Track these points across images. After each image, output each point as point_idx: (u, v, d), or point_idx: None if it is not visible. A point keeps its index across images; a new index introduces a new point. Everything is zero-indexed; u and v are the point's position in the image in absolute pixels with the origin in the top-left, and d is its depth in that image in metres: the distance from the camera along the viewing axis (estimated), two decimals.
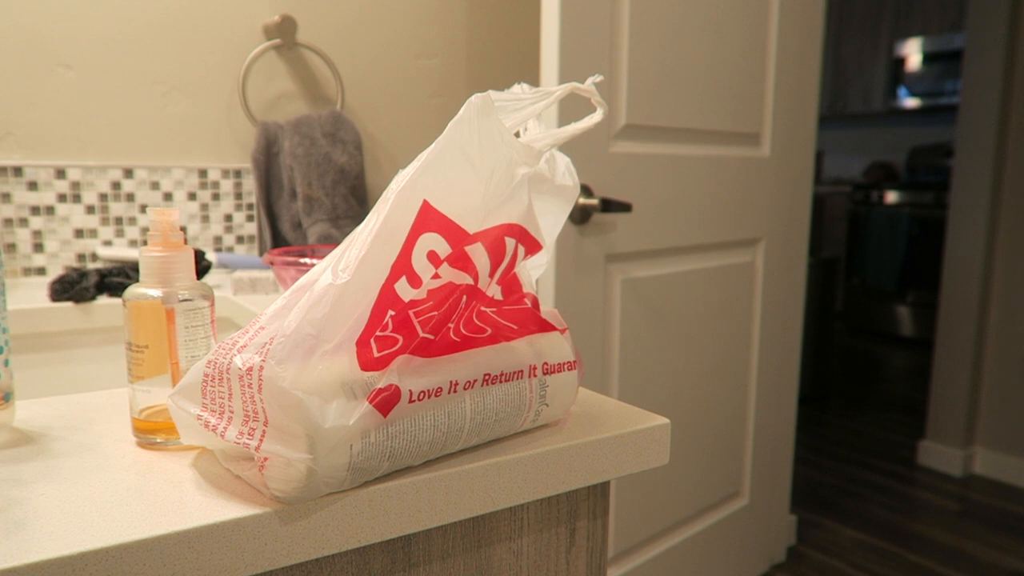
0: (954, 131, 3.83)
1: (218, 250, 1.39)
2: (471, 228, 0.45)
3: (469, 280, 0.44)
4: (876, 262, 4.38)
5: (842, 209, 4.57)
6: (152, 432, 0.47)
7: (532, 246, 0.49)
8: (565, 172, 0.53)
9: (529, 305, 0.50)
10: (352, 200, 1.40)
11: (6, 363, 0.48)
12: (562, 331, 0.52)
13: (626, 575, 1.44)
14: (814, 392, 3.21)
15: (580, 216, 1.25)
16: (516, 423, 0.48)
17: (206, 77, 1.35)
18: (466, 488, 0.45)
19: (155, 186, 1.31)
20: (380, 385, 0.40)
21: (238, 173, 1.39)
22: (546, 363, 0.49)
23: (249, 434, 0.38)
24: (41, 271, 1.24)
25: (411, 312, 0.42)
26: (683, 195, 1.43)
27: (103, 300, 1.05)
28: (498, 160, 0.45)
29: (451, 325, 0.44)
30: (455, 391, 0.44)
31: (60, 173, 1.23)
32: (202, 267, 1.13)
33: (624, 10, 1.25)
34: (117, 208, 1.28)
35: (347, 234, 1.02)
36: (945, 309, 2.48)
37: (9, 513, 0.37)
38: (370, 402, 0.40)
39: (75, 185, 1.24)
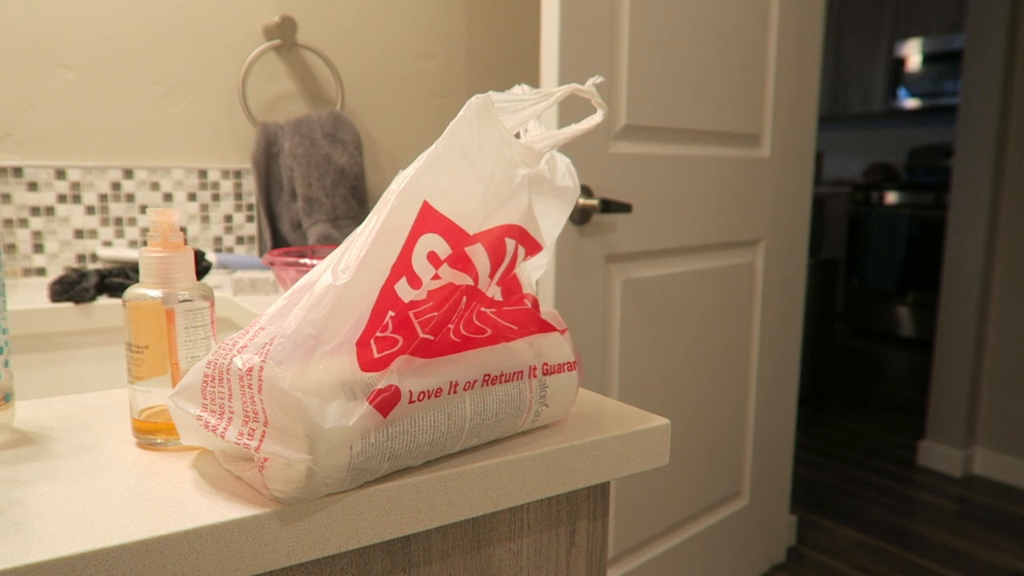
0: (954, 131, 3.83)
1: (218, 251, 1.39)
2: (471, 229, 0.45)
3: (469, 281, 0.44)
4: (876, 263, 4.38)
5: (842, 210, 4.57)
6: (152, 433, 0.47)
7: (532, 247, 0.49)
8: (565, 173, 0.53)
9: (529, 306, 0.50)
10: (352, 201, 1.40)
11: (6, 364, 0.48)
12: (562, 332, 0.52)
13: (626, 575, 1.44)
14: (814, 392, 3.21)
15: (580, 217, 1.25)
16: (516, 424, 0.48)
17: (206, 77, 1.35)
18: (466, 489, 0.45)
19: (155, 187, 1.31)
20: (380, 386, 0.40)
21: (238, 173, 1.39)
22: (546, 364, 0.49)
23: (249, 435, 0.38)
24: (41, 272, 1.24)
25: (411, 313, 0.42)
26: (683, 195, 1.43)
27: (103, 300, 1.05)
28: (498, 161, 0.45)
29: (451, 326, 0.44)
30: (455, 392, 0.44)
31: (60, 174, 1.23)
32: (202, 268, 1.13)
33: (624, 10, 1.25)
34: (117, 209, 1.28)
35: (347, 234, 1.02)
36: (945, 309, 2.48)
37: (9, 513, 0.37)
38: (370, 403, 0.40)
39: (75, 186, 1.24)
